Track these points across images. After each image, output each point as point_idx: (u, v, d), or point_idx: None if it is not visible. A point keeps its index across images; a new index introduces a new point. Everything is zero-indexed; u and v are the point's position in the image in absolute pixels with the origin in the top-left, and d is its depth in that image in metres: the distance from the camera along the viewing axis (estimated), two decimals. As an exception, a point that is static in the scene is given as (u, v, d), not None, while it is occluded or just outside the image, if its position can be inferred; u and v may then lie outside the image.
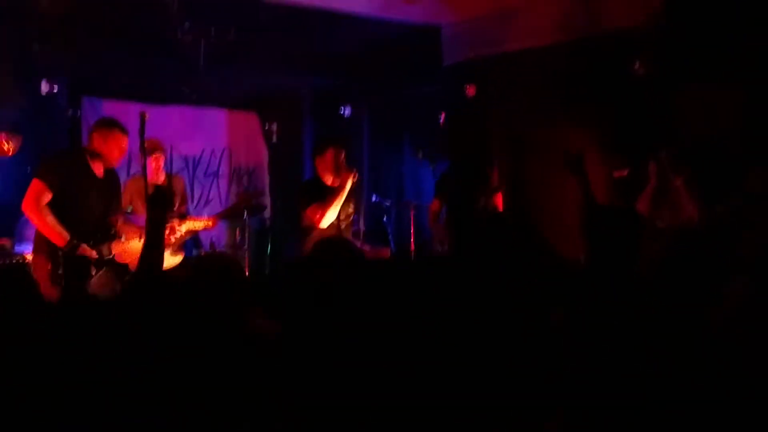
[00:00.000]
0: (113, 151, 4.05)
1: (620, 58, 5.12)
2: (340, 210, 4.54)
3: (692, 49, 4.37)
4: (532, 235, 2.96)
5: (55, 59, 5.81)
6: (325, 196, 4.52)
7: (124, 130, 4.08)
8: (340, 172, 4.57)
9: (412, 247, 5.71)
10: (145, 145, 4.35)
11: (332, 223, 4.56)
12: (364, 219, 6.39)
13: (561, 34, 5.53)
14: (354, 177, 4.55)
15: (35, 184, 3.79)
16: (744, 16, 3.86)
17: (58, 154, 4.28)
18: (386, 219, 6.39)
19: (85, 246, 3.81)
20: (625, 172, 5.12)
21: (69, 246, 3.76)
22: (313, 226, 4.51)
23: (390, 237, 6.34)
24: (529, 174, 5.70)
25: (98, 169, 4.05)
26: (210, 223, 4.89)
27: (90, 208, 3.96)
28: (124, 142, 4.10)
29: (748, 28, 3.97)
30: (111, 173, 4.19)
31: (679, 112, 4.81)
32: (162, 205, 4.49)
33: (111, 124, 4.07)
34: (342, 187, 4.53)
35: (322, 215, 4.51)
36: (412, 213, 5.74)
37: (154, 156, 4.88)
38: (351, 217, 4.78)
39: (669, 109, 4.92)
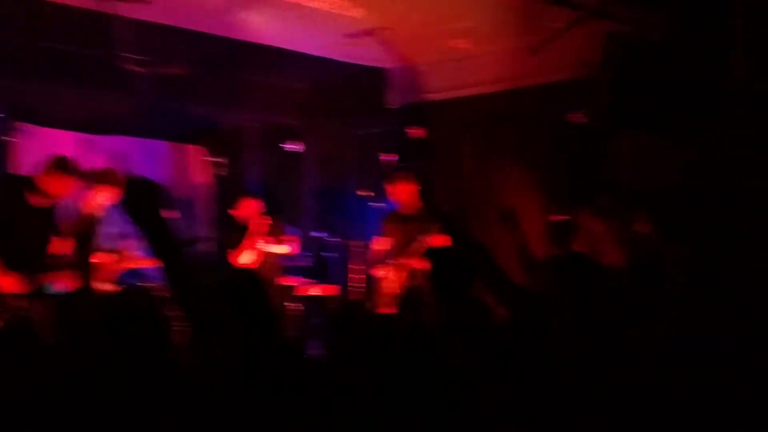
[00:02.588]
0: (56, 191, 4.00)
1: (560, 108, 5.36)
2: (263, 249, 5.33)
3: (627, 101, 4.61)
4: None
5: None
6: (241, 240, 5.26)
7: (69, 171, 3.98)
8: (254, 219, 5.30)
9: (354, 284, 5.73)
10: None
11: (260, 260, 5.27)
12: (307, 256, 6.41)
13: (505, 84, 5.75)
14: (260, 225, 5.26)
15: None
16: (677, 68, 4.12)
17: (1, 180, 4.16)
18: (329, 256, 6.40)
19: (14, 275, 3.73)
20: (563, 218, 5.32)
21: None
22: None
23: (332, 273, 6.34)
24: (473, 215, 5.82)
25: (37, 201, 3.95)
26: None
27: (25, 238, 3.88)
28: (71, 186, 4.03)
29: (680, 80, 4.23)
30: (50, 206, 4.11)
31: (613, 161, 5.07)
32: (88, 236, 4.45)
33: (62, 167, 3.98)
34: (251, 232, 5.26)
35: (236, 256, 5.27)
36: (355, 251, 5.76)
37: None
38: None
39: (604, 158, 5.18)
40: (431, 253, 4.93)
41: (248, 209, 5.43)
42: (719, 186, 3.95)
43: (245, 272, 4.28)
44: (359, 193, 6.03)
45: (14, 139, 6.23)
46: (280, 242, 5.49)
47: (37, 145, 6.34)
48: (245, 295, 2.49)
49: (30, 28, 5.16)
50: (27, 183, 3.98)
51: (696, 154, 4.18)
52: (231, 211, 5.53)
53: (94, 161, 5.66)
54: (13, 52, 5.30)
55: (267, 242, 5.36)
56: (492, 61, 5.79)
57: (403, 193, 5.17)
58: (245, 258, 5.31)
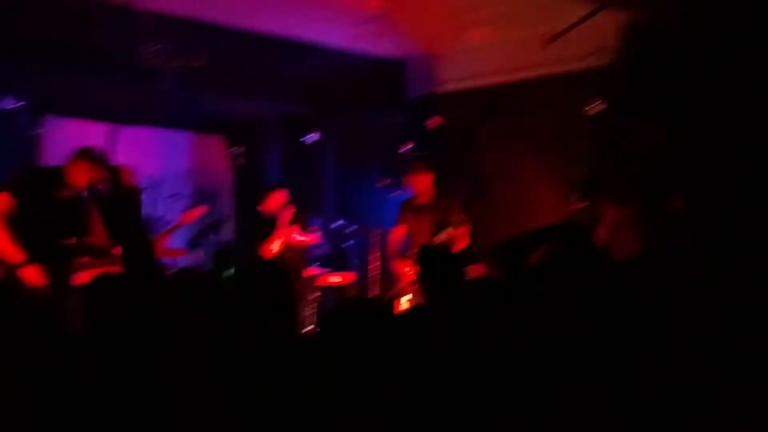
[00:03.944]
0: (80, 179, 4.05)
1: (578, 97, 5.33)
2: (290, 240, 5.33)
3: (644, 88, 4.58)
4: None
5: (19, 76, 5.78)
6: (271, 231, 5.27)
7: (95, 160, 4.07)
8: (278, 211, 5.33)
9: (377, 272, 5.79)
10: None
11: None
12: (325, 245, 6.49)
13: (523, 73, 5.73)
14: (288, 213, 5.27)
15: (1, 197, 3.76)
16: (693, 55, 4.09)
17: (29, 172, 4.21)
18: (349, 244, 6.46)
19: (37, 268, 3.76)
20: (581, 205, 5.32)
21: (22, 264, 3.71)
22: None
23: (352, 261, 6.40)
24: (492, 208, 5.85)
25: (64, 193, 4.02)
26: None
27: (51, 230, 3.92)
28: (94, 173, 4.09)
29: (696, 67, 4.20)
30: (78, 198, 4.14)
31: (630, 149, 5.05)
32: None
33: (85, 155, 4.06)
34: (279, 223, 5.26)
35: (265, 248, 5.22)
36: (373, 239, 5.83)
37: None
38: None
39: (622, 146, 5.15)
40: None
41: (275, 201, 5.44)
42: (733, 173, 3.93)
43: (271, 263, 4.36)
44: (378, 182, 6.07)
45: (41, 131, 6.38)
46: (304, 232, 5.55)
47: (64, 137, 6.48)
48: (270, 286, 2.54)
49: (55, 21, 5.25)
50: (53, 175, 4.03)
51: (711, 141, 4.15)
52: (259, 207, 5.51)
53: (119, 153, 5.78)
54: (40, 45, 5.40)
55: (293, 233, 5.39)
56: (509, 50, 5.77)
57: (420, 183, 5.22)
58: (273, 249, 5.30)
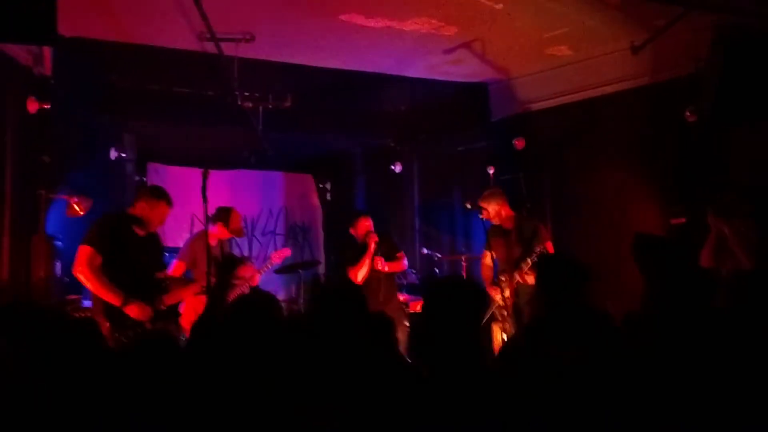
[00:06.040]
0: (155, 219, 4.19)
1: (672, 107, 5.12)
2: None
3: (739, 93, 4.34)
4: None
5: (123, 128, 6.21)
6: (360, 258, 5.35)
7: (169, 202, 4.21)
8: (366, 238, 5.39)
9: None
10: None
11: (373, 277, 5.33)
12: (414, 273, 6.49)
13: (609, 87, 5.59)
14: (374, 240, 5.33)
15: (84, 250, 3.87)
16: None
17: (103, 220, 4.31)
18: (438, 271, 6.42)
19: (137, 303, 3.90)
20: (683, 220, 5.05)
21: (124, 303, 3.86)
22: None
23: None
24: (581, 229, 5.67)
25: (140, 231, 4.15)
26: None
27: (137, 266, 4.05)
28: (167, 213, 4.24)
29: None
30: (152, 233, 4.28)
31: (730, 157, 4.76)
32: (230, 271, 4.74)
33: (159, 195, 4.20)
34: (369, 250, 5.34)
35: (355, 272, 5.33)
36: (464, 265, 5.76)
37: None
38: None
39: (720, 155, 4.87)
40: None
41: (364, 227, 5.49)
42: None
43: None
44: (464, 207, 6.03)
45: (145, 179, 6.80)
46: (394, 259, 5.58)
47: (166, 182, 6.88)
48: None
49: (155, 73, 5.63)
50: (130, 217, 4.16)
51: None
52: (351, 230, 5.56)
53: (218, 195, 6.05)
54: (136, 95, 5.79)
55: (379, 261, 5.43)
56: (592, 66, 5.65)
57: (494, 209, 5.15)
58: (362, 274, 5.34)
